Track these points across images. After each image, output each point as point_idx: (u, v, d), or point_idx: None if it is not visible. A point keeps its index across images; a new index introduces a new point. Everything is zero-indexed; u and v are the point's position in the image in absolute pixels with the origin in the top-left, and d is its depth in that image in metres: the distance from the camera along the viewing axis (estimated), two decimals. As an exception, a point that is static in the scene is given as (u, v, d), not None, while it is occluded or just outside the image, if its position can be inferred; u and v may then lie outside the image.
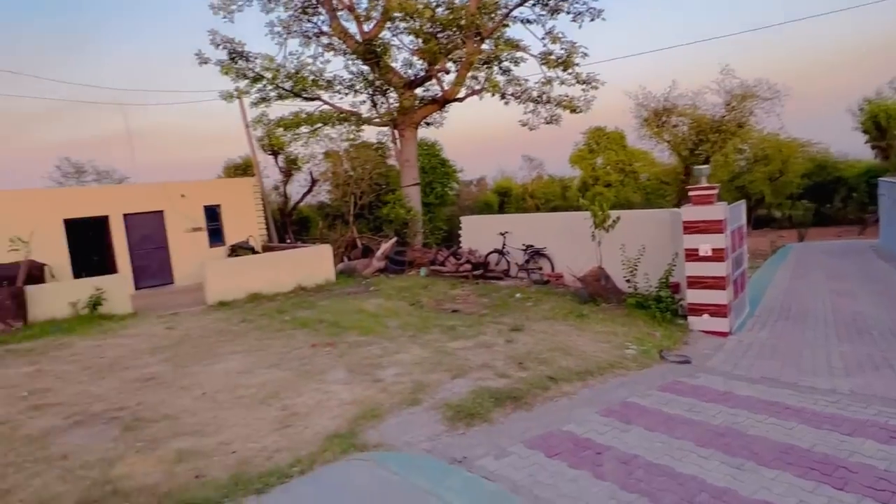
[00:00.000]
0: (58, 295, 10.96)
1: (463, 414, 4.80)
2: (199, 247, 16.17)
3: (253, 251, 15.43)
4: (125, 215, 15.24)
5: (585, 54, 15.16)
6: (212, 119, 38.29)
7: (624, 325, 8.04)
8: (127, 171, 26.32)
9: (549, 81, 15.76)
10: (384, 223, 18.46)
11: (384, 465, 3.80)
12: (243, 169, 23.93)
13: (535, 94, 16.35)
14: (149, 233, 15.62)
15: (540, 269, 11.99)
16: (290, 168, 21.64)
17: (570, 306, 9.26)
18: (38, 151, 38.64)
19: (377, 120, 17.46)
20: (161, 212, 15.75)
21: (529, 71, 57.55)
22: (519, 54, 15.96)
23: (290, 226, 20.76)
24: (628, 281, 9.28)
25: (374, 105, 17.75)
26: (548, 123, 16.93)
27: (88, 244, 15.49)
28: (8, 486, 3.89)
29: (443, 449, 4.23)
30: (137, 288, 14.99)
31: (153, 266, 15.66)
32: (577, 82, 15.57)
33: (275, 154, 21.16)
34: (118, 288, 11.45)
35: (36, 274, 13.31)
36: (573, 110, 16.20)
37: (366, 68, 16.76)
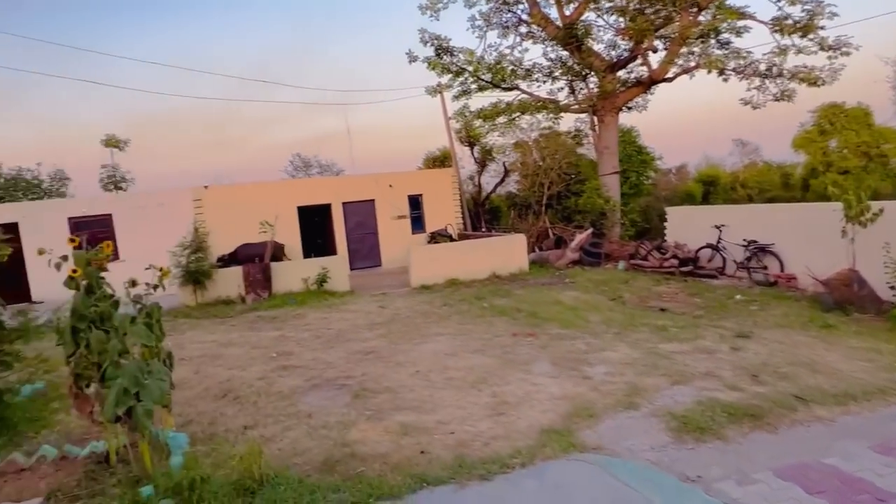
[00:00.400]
0: (293, 272, 12.69)
1: (691, 426, 4.30)
2: (403, 233, 17.45)
3: (451, 239, 16.15)
4: (343, 203, 17.11)
5: (834, 14, 12.73)
6: (414, 114, 41.22)
7: (889, 341, 6.56)
8: (344, 164, 29.55)
9: (783, 51, 13.57)
10: (574, 213, 17.92)
11: (609, 471, 3.55)
12: (441, 160, 25.22)
13: (762, 67, 14.25)
14: (362, 219, 17.32)
15: (765, 268, 10.45)
16: (484, 158, 22.20)
17: (808, 313, 7.88)
18: (273, 149, 45.63)
19: (575, 107, 16.93)
20: (372, 200, 17.33)
21: (754, 41, 50.57)
22: (743, 23, 14.04)
23: (482, 215, 21.33)
24: (893, 288, 7.58)
25: (573, 91, 17.24)
26: (777, 101, 14.66)
27: (314, 228, 17.76)
28: (269, 434, 4.51)
29: (670, 463, 3.82)
30: (352, 269, 16.75)
31: (364, 249, 17.34)
32: (821, 49, 13.15)
33: (471, 145, 21.88)
34: (339, 268, 12.86)
35: (277, 253, 15.68)
36: (812, 83, 13.77)
37: (565, 54, 16.32)
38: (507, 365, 6.22)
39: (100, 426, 3.97)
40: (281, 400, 5.39)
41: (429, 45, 15.83)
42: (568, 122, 20.58)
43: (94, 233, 14.87)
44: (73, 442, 4.48)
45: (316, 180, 17.16)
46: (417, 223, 17.85)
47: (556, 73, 16.93)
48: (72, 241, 3.85)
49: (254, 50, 47.01)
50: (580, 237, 14.31)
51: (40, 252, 3.65)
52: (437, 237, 16.57)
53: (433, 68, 15.02)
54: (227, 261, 13.96)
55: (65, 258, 3.76)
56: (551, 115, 17.21)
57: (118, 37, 39.74)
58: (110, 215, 15.52)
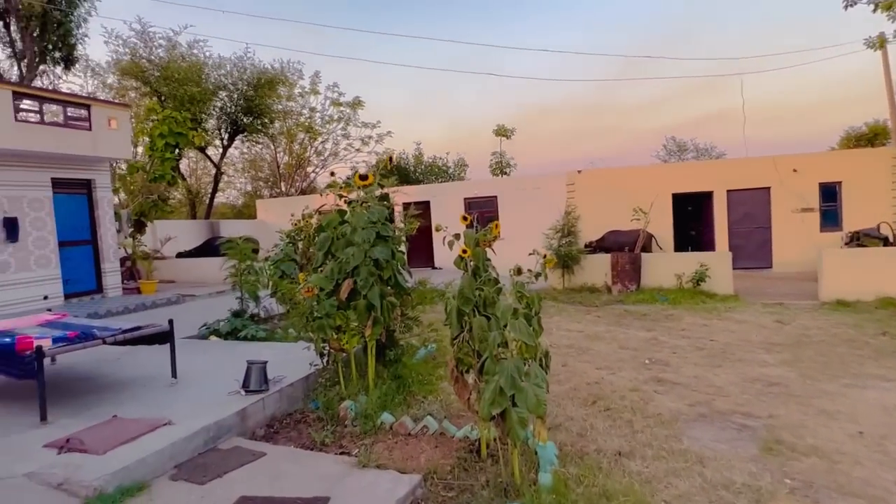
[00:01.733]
0: (665, 265, 11.40)
1: None
2: (808, 230, 13.92)
3: (886, 242, 11.98)
4: (728, 191, 14.68)
5: None
6: (826, 82, 33.15)
7: None
8: (726, 146, 25.99)
9: None
10: None
11: None
12: (868, 138, 19.39)
13: None
14: (751, 210, 14.55)
15: None
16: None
17: None
18: (645, 135, 43.88)
19: None
20: (767, 188, 14.34)
21: None
22: None
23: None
24: None
25: None
26: None
27: (687, 218, 15.87)
28: (649, 474, 3.60)
29: None
30: (733, 268, 14.29)
31: (750, 246, 14.56)
32: None
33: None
34: (720, 266, 10.93)
35: (647, 243, 14.58)
36: None
37: None
38: None
39: (475, 414, 3.79)
40: (660, 426, 4.41)
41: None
42: None
43: (482, 212, 16.71)
44: (451, 417, 4.53)
45: (697, 164, 15.22)
46: (830, 218, 13.97)
47: None
48: (464, 218, 3.70)
49: (638, 28, 45.81)
50: None
51: (437, 228, 3.60)
52: (864, 238, 12.52)
53: (888, 8, 11.06)
54: (594, 247, 13.63)
55: (457, 237, 3.62)
56: None
57: (514, 30, 44.38)
58: (496, 197, 17.15)
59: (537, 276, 3.62)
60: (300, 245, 9.30)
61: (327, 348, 5.03)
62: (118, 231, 13.34)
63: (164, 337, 5.04)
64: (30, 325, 5.33)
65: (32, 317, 5.77)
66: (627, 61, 45.60)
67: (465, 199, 17.40)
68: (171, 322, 5.10)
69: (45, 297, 10.12)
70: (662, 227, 14.81)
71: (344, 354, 5.06)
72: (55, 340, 4.28)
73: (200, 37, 19.43)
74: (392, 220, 5.28)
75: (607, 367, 6.14)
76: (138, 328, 4.91)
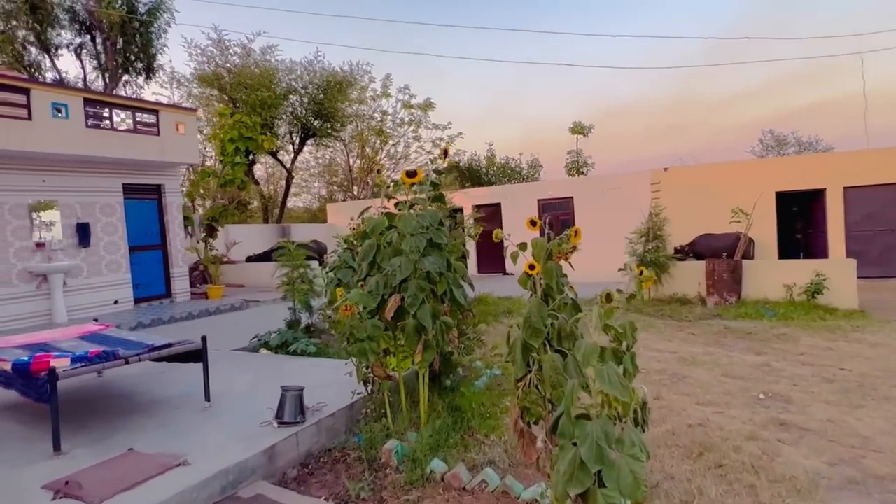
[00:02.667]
0: (771, 274, 9.91)
1: None
2: (949, 233, 11.78)
3: None
4: (846, 188, 12.75)
5: None
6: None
7: None
8: (836, 139, 23.23)
9: None
10: None
11: None
12: None
13: None
14: (875, 210, 12.54)
15: None
16: None
17: None
18: (737, 130, 40.47)
19: None
20: (894, 185, 12.30)
21: None
22: None
23: None
24: None
25: None
26: None
27: (789, 220, 14.01)
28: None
29: None
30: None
31: (874, 252, 12.55)
32: None
33: None
34: (841, 275, 9.30)
35: (746, 249, 12.95)
36: None
37: None
38: None
39: (545, 477, 2.92)
40: (796, 496, 3.33)
41: None
42: None
43: (556, 215, 15.62)
44: (517, 466, 3.69)
45: (807, 158, 13.35)
46: (978, 219, 11.75)
47: None
48: (532, 223, 2.85)
49: (729, 9, 42.37)
50: None
51: (496, 237, 2.78)
52: None
53: None
54: (685, 252, 12.23)
55: (523, 247, 2.78)
56: None
57: (588, 20, 42.45)
58: (571, 198, 16.00)
59: (631, 298, 2.71)
60: (360, 250, 8.78)
61: (371, 375, 4.33)
62: (190, 236, 13.51)
63: (196, 356, 4.55)
64: (68, 338, 5.03)
65: (76, 327, 5.51)
66: (716, 46, 42.08)
67: (539, 200, 16.35)
68: (203, 340, 4.60)
69: (116, 302, 10.24)
70: (764, 230, 13.10)
71: (391, 381, 4.35)
72: (74, 360, 3.84)
73: (273, 40, 19.56)
74: (454, 225, 4.50)
75: (711, 403, 5.04)
76: (168, 345, 4.44)
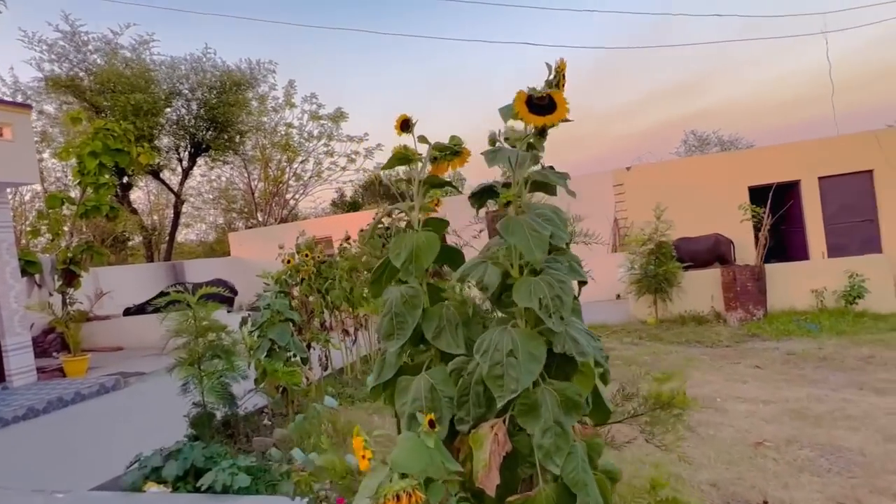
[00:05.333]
0: (796, 279, 8.38)
1: None
2: (931, 218, 11.12)
3: None
4: (820, 178, 11.85)
5: None
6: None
7: None
8: (754, 136, 23.41)
9: None
10: None
11: None
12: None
13: None
14: (850, 200, 11.70)
15: None
16: None
17: None
18: (661, 128, 37.87)
19: None
20: (869, 172, 11.54)
21: None
22: None
23: None
24: None
25: None
26: None
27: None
28: None
29: None
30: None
31: (854, 245, 11.65)
32: None
33: None
34: (877, 275, 7.94)
35: (726, 251, 11.64)
36: None
37: None
38: None
39: None
40: None
41: None
42: None
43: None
44: None
45: (778, 148, 12.39)
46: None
47: None
48: None
49: None
50: None
51: None
52: None
53: None
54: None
55: None
56: None
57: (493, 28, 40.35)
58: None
59: None
60: (297, 292, 6.06)
61: None
62: (39, 286, 9.88)
63: None
64: None
65: None
66: (611, 57, 42.25)
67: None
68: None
69: None
70: (739, 228, 11.84)
71: None
72: None
73: (147, 35, 15.79)
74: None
75: (825, 488, 2.98)
76: None
